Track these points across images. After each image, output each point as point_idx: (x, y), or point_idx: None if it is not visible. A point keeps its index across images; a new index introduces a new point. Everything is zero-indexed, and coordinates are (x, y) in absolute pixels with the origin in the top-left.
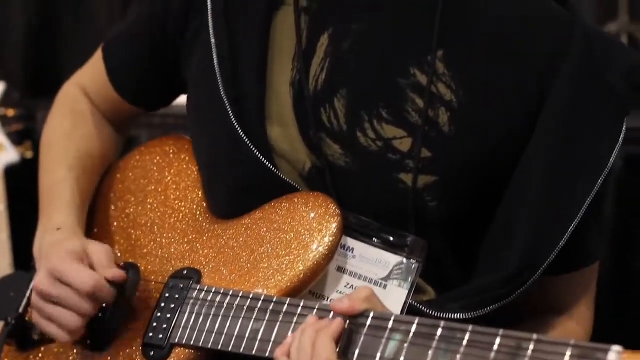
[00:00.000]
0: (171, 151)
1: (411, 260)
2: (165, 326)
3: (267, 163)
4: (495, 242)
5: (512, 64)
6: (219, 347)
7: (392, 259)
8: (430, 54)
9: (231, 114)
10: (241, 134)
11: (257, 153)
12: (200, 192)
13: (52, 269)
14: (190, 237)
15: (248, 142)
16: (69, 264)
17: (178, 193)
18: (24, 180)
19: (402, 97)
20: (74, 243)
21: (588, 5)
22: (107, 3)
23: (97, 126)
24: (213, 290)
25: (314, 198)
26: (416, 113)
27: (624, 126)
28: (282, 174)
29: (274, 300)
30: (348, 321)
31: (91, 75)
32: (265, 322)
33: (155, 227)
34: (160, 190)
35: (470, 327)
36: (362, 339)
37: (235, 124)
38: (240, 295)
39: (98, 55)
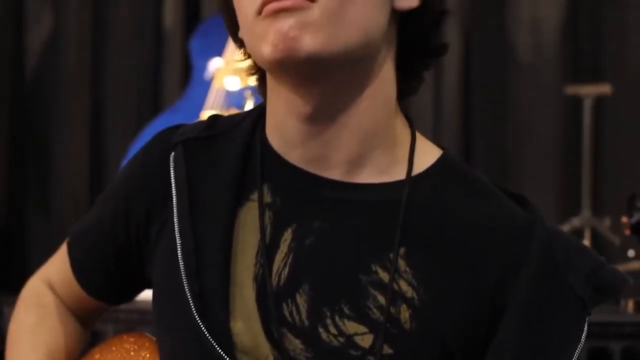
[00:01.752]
0: (132, 349)
1: None
2: None
3: None
4: None
5: (472, 266)
6: None
7: None
8: (392, 251)
9: (194, 310)
10: (204, 330)
11: (220, 351)
12: None
13: None
14: None
15: (211, 339)
16: None
17: None
18: None
19: (363, 294)
20: None
21: (552, 200)
22: (73, 201)
23: (62, 321)
24: None
25: None
26: (378, 309)
27: (586, 326)
28: None
29: None
30: None
31: (56, 270)
32: None
33: None
34: None
35: None
36: None
37: (198, 320)
38: None
39: (63, 250)
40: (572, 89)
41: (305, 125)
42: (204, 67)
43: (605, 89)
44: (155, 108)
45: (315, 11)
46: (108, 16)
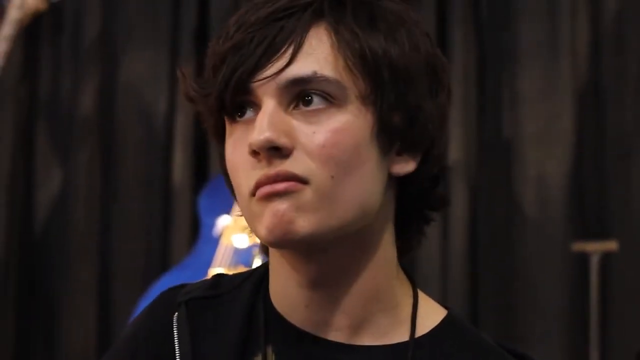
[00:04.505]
0: None
1: None
2: None
3: None
4: None
5: None
6: None
7: None
8: None
9: None
10: None
11: None
12: None
13: None
14: None
15: None
16: None
17: None
18: None
19: None
20: None
21: (561, 356)
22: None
23: None
24: None
25: None
26: None
27: None
28: None
29: None
30: None
31: None
32: None
33: None
34: None
35: None
36: None
37: None
38: None
39: None
40: (578, 246)
41: (307, 291)
42: (212, 225)
43: (611, 245)
44: (164, 265)
45: (308, 193)
46: (116, 173)
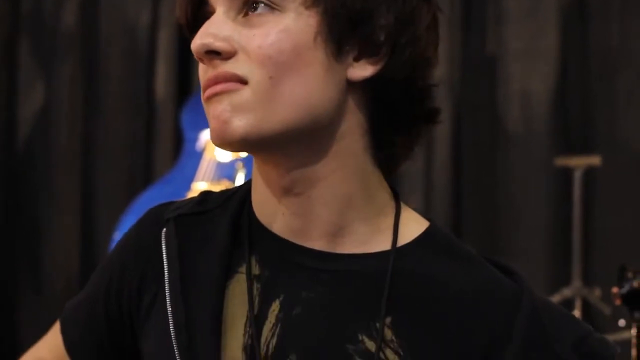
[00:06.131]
0: None
1: None
2: None
3: None
4: None
5: (459, 336)
6: None
7: None
8: (378, 320)
9: None
10: None
11: None
12: None
13: None
14: None
15: None
16: None
17: None
18: None
19: None
20: None
21: (542, 269)
22: (64, 275)
23: None
24: None
25: None
26: None
27: None
28: None
29: None
30: None
31: (49, 348)
32: None
33: None
34: None
35: None
36: None
37: None
38: None
39: (56, 328)
40: (562, 161)
41: (282, 198)
42: (195, 139)
43: (595, 160)
44: (147, 179)
45: (245, 93)
46: (99, 87)
